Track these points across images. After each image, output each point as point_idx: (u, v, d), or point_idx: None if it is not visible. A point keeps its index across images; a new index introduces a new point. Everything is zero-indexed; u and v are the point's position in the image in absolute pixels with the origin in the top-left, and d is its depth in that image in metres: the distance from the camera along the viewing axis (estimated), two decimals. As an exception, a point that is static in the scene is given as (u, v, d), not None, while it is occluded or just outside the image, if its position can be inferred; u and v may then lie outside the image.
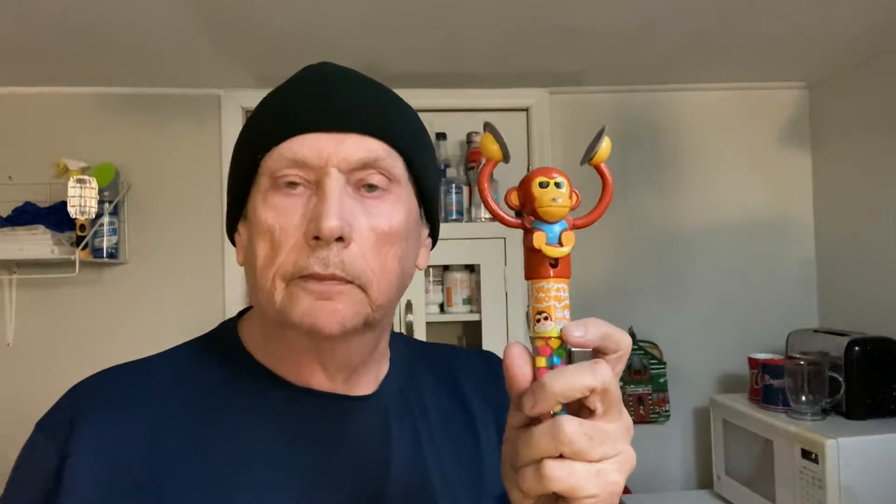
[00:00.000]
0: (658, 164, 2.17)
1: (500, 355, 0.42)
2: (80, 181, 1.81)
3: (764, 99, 2.21)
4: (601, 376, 0.38)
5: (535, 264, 0.41)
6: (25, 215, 1.87)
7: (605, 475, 0.38)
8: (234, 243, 0.60)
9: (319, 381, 0.57)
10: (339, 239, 0.50)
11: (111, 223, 1.96)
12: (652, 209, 2.17)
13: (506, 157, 0.41)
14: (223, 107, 2.09)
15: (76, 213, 1.81)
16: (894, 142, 1.85)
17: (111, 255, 1.96)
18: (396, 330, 0.73)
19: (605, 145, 0.42)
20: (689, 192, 2.19)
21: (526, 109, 2.18)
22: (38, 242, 1.80)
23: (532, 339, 0.41)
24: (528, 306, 0.42)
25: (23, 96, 2.03)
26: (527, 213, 0.41)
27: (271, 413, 0.55)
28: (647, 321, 2.15)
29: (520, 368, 0.40)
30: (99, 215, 1.90)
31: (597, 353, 0.40)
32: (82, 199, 1.81)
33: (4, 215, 1.88)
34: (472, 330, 2.01)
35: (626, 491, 1.97)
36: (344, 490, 0.54)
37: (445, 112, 2.12)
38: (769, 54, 1.92)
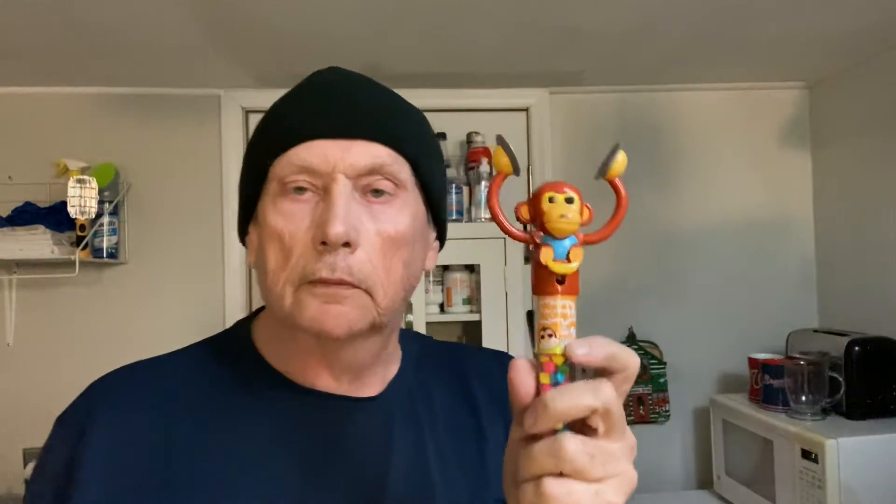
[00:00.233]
0: (658, 164, 2.17)
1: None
2: (80, 181, 1.81)
3: (764, 99, 2.21)
4: (603, 397, 0.37)
5: (542, 280, 0.40)
6: (25, 215, 1.87)
7: (605, 496, 0.37)
8: (244, 244, 0.61)
9: (325, 382, 0.58)
10: (346, 244, 0.51)
11: (111, 223, 1.96)
12: (652, 209, 2.16)
13: (516, 171, 0.41)
14: (223, 107, 2.09)
15: (76, 213, 1.81)
16: (894, 142, 1.86)
17: (111, 255, 1.96)
18: None
19: (621, 159, 0.41)
20: (689, 192, 2.19)
21: (526, 109, 2.18)
22: (38, 242, 1.80)
23: (536, 356, 0.40)
24: (533, 322, 0.42)
25: (23, 96, 2.03)
26: (536, 227, 0.41)
27: (274, 413, 0.56)
28: (647, 321, 2.15)
29: (523, 383, 0.39)
30: (99, 215, 1.90)
31: (603, 371, 0.39)
32: (82, 199, 1.81)
33: (4, 215, 1.88)
34: (472, 330, 2.01)
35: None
36: (342, 491, 0.55)
37: (445, 112, 2.12)
38: (769, 54, 1.92)
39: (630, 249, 2.16)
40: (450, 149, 2.11)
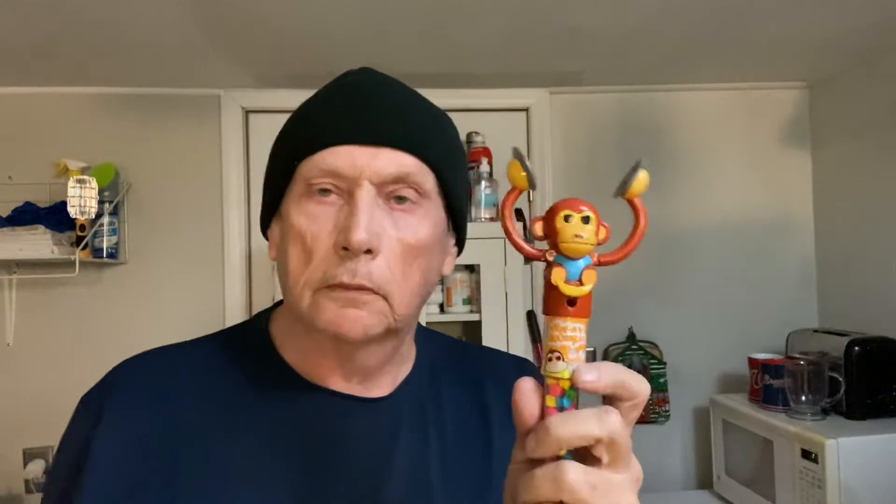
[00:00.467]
0: (658, 164, 2.17)
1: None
2: (80, 181, 1.81)
3: (764, 99, 2.21)
4: (609, 427, 0.36)
5: (552, 300, 0.38)
6: (25, 215, 1.87)
7: None
8: (266, 238, 0.62)
9: (336, 380, 0.58)
10: (368, 251, 0.51)
11: (111, 223, 1.96)
12: (652, 209, 2.15)
13: (532, 186, 0.39)
14: (223, 107, 2.09)
15: (76, 213, 1.81)
16: (894, 142, 1.86)
17: (111, 255, 1.96)
18: None
19: (643, 178, 0.40)
20: (689, 191, 2.19)
21: (526, 109, 2.18)
22: (38, 242, 1.80)
23: (542, 377, 0.39)
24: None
25: (23, 96, 2.03)
26: (549, 245, 0.39)
27: (280, 409, 0.57)
28: (647, 321, 2.15)
29: (527, 405, 0.38)
30: (99, 215, 1.89)
31: (611, 398, 0.38)
32: (82, 199, 1.81)
33: (4, 215, 1.88)
34: (472, 330, 2.01)
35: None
36: (342, 489, 0.55)
37: (445, 112, 2.12)
38: (769, 54, 1.92)
39: (630, 249, 2.15)
40: (450, 149, 2.11)
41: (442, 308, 2.00)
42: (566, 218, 0.38)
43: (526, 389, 0.38)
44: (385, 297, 0.53)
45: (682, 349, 2.14)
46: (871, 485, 1.48)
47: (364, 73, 0.60)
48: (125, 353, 0.61)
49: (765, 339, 2.09)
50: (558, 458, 0.37)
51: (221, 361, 0.59)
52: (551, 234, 0.39)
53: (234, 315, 2.06)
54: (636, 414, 0.38)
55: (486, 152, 2.02)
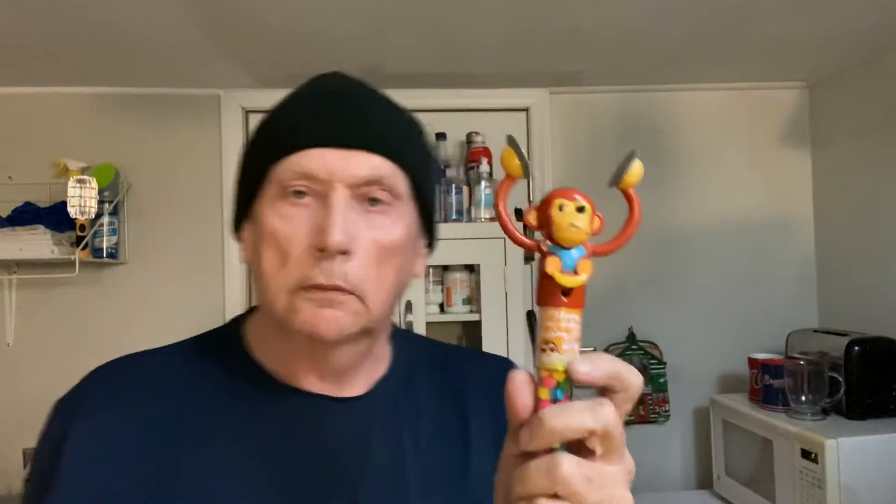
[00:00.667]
0: (658, 164, 2.17)
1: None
2: (80, 181, 1.81)
3: (764, 99, 2.21)
4: (603, 419, 0.36)
5: (547, 291, 0.38)
6: (25, 215, 1.87)
7: None
8: (238, 240, 0.62)
9: (311, 381, 0.59)
10: (343, 252, 0.52)
11: (111, 223, 1.96)
12: (652, 209, 2.16)
13: (526, 174, 0.39)
14: (223, 107, 2.09)
15: (76, 213, 1.81)
16: (894, 142, 1.86)
17: (111, 255, 1.96)
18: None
19: (636, 168, 0.39)
20: (688, 191, 2.19)
21: (526, 109, 2.18)
22: (38, 242, 1.80)
23: (536, 369, 0.39)
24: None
25: (23, 96, 2.03)
26: (543, 235, 0.39)
27: (253, 411, 0.57)
28: (647, 321, 2.15)
29: (520, 398, 0.38)
30: (99, 215, 1.90)
31: (604, 390, 0.38)
32: (82, 199, 1.81)
33: (4, 215, 1.88)
34: (472, 330, 2.01)
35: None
36: (317, 489, 0.55)
37: (445, 112, 2.12)
38: (769, 54, 1.92)
39: (630, 249, 2.14)
40: (450, 149, 2.11)
41: (442, 308, 2.00)
42: (560, 207, 0.38)
43: (519, 381, 0.38)
44: (360, 298, 0.54)
45: (682, 349, 2.14)
46: (871, 485, 1.48)
47: (336, 77, 0.60)
48: (125, 353, 0.61)
49: (765, 339, 2.09)
50: (552, 450, 0.37)
51: (195, 366, 0.60)
52: (546, 224, 0.38)
53: (234, 315, 2.06)
54: (629, 406, 0.38)
55: (486, 152, 2.02)
